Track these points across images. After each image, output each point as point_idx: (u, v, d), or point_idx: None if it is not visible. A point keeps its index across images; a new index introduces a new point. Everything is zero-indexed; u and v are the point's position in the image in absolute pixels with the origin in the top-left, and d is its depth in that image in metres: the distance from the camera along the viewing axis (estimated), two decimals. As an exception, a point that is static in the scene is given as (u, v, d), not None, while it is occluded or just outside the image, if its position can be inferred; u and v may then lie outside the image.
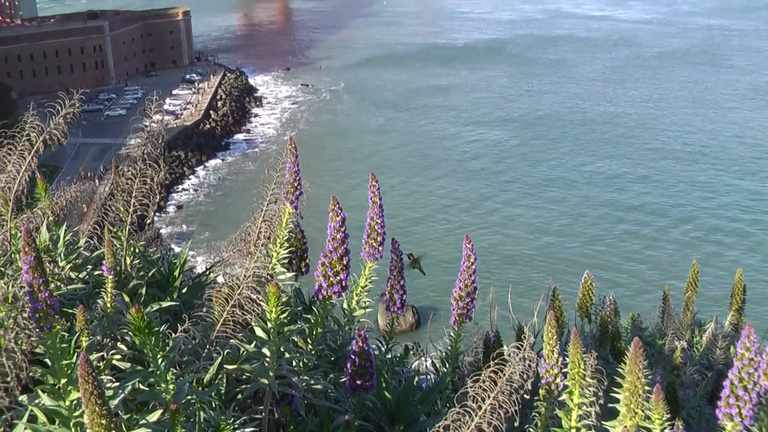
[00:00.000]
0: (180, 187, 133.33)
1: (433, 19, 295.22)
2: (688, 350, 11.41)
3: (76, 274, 6.96)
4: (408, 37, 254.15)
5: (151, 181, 7.04)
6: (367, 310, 6.90)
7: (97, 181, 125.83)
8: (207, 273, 7.79)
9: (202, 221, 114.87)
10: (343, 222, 6.01)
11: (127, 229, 6.99)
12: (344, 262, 6.06)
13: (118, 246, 7.05)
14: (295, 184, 6.89)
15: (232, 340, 5.77)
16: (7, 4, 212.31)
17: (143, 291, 6.86)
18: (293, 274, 7.28)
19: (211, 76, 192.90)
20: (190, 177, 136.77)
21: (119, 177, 7.29)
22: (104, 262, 6.00)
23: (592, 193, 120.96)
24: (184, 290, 7.34)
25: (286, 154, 7.00)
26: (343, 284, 6.12)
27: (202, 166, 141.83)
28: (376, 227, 6.47)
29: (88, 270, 7.11)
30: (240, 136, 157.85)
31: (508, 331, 9.36)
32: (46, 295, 4.66)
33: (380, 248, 6.56)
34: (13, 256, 6.63)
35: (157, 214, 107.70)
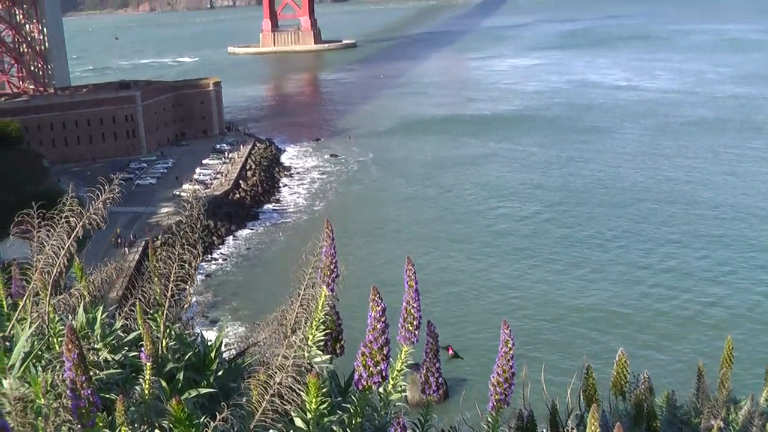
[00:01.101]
0: (209, 256, 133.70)
1: (459, 90, 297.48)
2: (724, 429, 11.22)
3: (113, 356, 6.96)
4: (435, 108, 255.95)
5: (188, 266, 7.04)
6: (403, 394, 6.85)
7: (126, 249, 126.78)
8: (243, 355, 7.76)
9: (231, 291, 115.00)
10: (383, 312, 5.99)
11: (164, 314, 6.98)
12: (384, 352, 6.03)
13: (154, 328, 7.04)
14: (332, 267, 6.89)
15: (271, 430, 5.71)
16: (41, 73, 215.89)
17: (180, 376, 6.83)
18: (329, 356, 7.25)
19: (241, 146, 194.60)
20: (220, 246, 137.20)
21: (156, 260, 7.29)
22: (143, 348, 5.98)
23: (624, 271, 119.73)
24: (220, 373, 7.31)
25: (323, 238, 7.00)
26: (383, 374, 6.08)
27: (231, 236, 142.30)
28: (412, 311, 6.45)
29: (124, 353, 7.11)
30: (269, 206, 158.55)
31: (542, 410, 9.24)
32: (89, 392, 4.65)
33: (416, 332, 6.53)
34: (51, 340, 6.63)
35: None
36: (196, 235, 7.22)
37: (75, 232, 6.77)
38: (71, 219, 6.98)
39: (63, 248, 6.65)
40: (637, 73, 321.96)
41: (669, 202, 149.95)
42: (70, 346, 4.51)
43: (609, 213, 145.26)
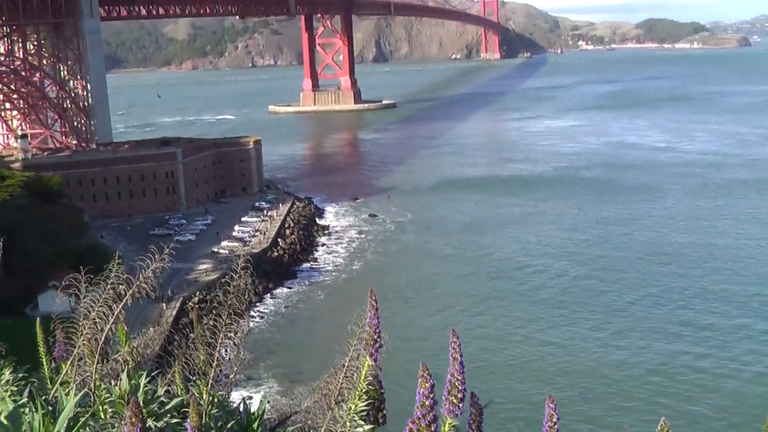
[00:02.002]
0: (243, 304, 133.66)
1: (496, 151, 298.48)
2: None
3: (155, 424, 6.96)
4: (473, 168, 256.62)
5: (235, 335, 7.06)
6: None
7: (164, 305, 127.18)
8: (285, 423, 7.74)
9: (269, 349, 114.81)
10: (432, 388, 5.97)
11: (209, 383, 6.99)
12: (432, 429, 5.99)
13: (198, 396, 7.03)
14: (375, 337, 6.89)
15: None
16: (84, 128, 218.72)
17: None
18: (371, 427, 7.22)
19: (280, 204, 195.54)
20: (257, 304, 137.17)
21: (202, 329, 7.31)
22: (188, 418, 5.98)
23: (665, 336, 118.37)
24: (262, 443, 7.27)
25: (368, 307, 7.01)
26: (431, 451, 6.04)
27: (269, 294, 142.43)
28: (456, 384, 6.45)
29: (166, 420, 7.10)
30: (307, 265, 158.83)
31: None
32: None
33: (460, 405, 6.52)
34: (97, 407, 6.65)
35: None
36: (244, 306, 7.24)
37: (124, 301, 6.81)
38: (119, 286, 7.03)
39: (111, 316, 6.70)
40: (675, 134, 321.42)
41: (709, 265, 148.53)
42: (134, 420, 4.53)
43: (650, 276, 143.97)
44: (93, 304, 7.04)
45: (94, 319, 6.92)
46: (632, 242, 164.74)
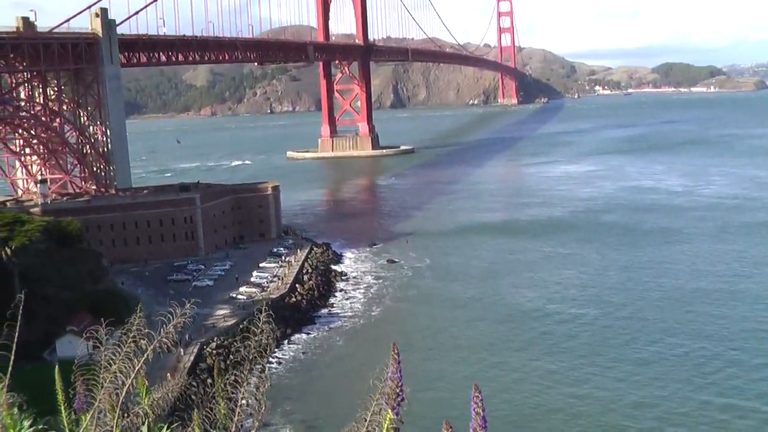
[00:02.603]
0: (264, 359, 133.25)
1: (513, 196, 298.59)
2: None
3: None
4: (490, 213, 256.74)
5: (256, 390, 7.01)
6: None
7: (182, 350, 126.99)
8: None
9: (287, 395, 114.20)
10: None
11: (231, 437, 6.93)
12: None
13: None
14: (398, 391, 6.83)
15: None
16: (103, 174, 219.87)
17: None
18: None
19: (299, 249, 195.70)
20: (275, 350, 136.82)
21: (223, 382, 7.26)
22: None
23: (689, 380, 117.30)
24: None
25: (390, 361, 6.96)
26: None
27: (287, 340, 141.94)
28: (479, 438, 6.38)
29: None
30: (325, 311, 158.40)
31: None
32: None
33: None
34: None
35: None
36: (266, 360, 7.20)
37: (145, 356, 6.78)
38: (141, 340, 6.99)
39: (132, 371, 6.66)
40: (692, 178, 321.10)
41: (732, 311, 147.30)
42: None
43: (672, 322, 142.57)
44: (114, 357, 7.00)
45: (115, 372, 6.88)
46: (653, 287, 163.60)
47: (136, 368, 6.38)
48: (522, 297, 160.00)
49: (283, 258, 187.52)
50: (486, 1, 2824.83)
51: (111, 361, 6.89)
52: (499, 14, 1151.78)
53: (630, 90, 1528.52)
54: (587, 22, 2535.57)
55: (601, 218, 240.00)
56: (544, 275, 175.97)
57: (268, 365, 6.85)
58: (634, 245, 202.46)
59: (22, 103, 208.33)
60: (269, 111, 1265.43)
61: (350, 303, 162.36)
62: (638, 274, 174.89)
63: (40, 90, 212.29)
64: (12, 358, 7.17)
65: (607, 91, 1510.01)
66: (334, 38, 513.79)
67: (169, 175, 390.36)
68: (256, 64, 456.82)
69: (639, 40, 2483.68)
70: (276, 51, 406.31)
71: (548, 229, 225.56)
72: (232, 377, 6.97)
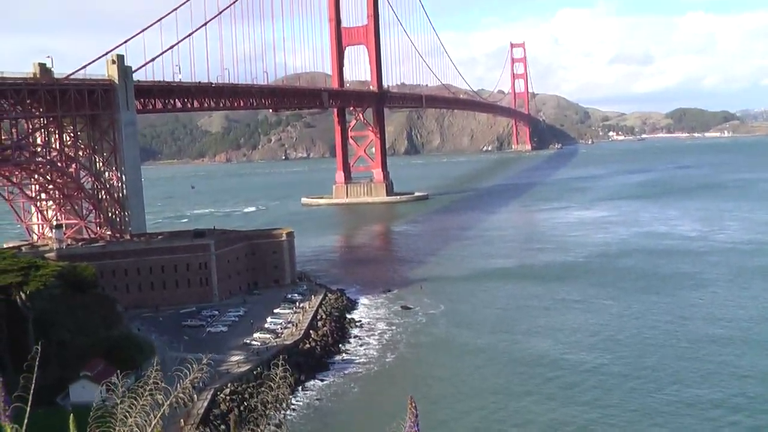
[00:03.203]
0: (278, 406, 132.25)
1: (526, 241, 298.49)
2: None
3: None
4: (504, 258, 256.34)
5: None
6: None
7: (195, 395, 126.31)
8: None
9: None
10: None
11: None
12: None
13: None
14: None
15: None
16: (118, 219, 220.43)
17: None
18: None
19: (313, 296, 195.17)
20: (289, 397, 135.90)
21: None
22: None
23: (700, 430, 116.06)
24: None
25: (407, 415, 6.59)
26: None
27: (300, 386, 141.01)
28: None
29: None
30: (339, 357, 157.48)
31: None
32: None
33: None
34: None
35: None
36: (282, 414, 6.81)
37: (162, 411, 6.43)
38: (158, 396, 6.65)
39: (149, 427, 6.31)
40: (707, 223, 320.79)
41: (746, 354, 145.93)
42: None
43: (690, 369, 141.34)
44: (131, 409, 6.64)
45: (132, 426, 6.52)
46: (667, 333, 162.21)
47: (153, 423, 6.01)
48: (536, 344, 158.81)
49: (297, 304, 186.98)
50: (500, 47, 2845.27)
51: (127, 414, 6.52)
52: (513, 60, 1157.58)
53: (644, 135, 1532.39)
54: (600, 69, 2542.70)
55: (614, 264, 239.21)
56: (558, 321, 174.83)
57: (284, 414, 6.47)
58: (648, 291, 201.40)
59: (39, 149, 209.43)
60: (284, 157, 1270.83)
61: (364, 349, 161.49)
62: (653, 320, 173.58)
63: (57, 135, 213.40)
64: (28, 409, 6.82)
65: (621, 137, 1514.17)
66: (348, 85, 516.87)
67: (184, 220, 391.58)
68: (271, 110, 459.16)
69: (652, 85, 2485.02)
70: (291, 98, 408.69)
71: (562, 275, 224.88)
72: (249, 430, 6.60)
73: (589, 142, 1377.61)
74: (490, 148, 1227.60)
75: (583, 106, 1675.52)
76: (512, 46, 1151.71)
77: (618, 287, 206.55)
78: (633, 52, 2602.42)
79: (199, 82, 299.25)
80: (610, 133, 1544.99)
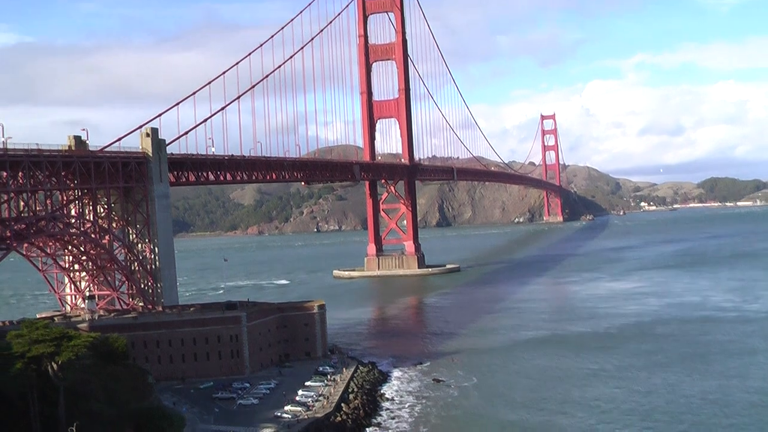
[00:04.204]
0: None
1: (558, 313, 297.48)
2: None
3: None
4: (535, 331, 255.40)
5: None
6: None
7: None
8: None
9: None
10: None
11: None
12: None
13: None
14: None
15: None
16: (151, 291, 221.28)
17: None
18: None
19: (344, 368, 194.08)
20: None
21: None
22: None
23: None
24: None
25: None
26: None
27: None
28: None
29: None
30: (370, 430, 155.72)
31: None
32: None
33: None
34: None
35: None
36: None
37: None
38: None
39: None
40: (739, 293, 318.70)
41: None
42: None
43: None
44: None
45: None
46: (704, 404, 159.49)
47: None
48: (569, 418, 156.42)
49: (328, 377, 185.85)
50: (530, 119, 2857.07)
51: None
52: (544, 132, 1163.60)
53: (675, 205, 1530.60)
54: (631, 139, 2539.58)
55: (647, 335, 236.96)
56: (592, 394, 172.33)
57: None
58: (683, 361, 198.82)
59: (73, 220, 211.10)
60: (316, 230, 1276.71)
61: (396, 423, 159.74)
62: (688, 391, 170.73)
63: (90, 207, 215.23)
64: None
65: (653, 207, 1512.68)
66: (380, 157, 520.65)
67: (219, 292, 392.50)
68: (303, 183, 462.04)
69: (683, 155, 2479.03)
70: (323, 170, 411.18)
71: (594, 346, 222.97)
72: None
73: (621, 213, 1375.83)
74: (521, 220, 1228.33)
75: (614, 177, 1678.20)
76: (543, 117, 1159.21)
77: (651, 359, 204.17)
78: (664, 123, 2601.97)
79: (232, 155, 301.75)
80: (642, 204, 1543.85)
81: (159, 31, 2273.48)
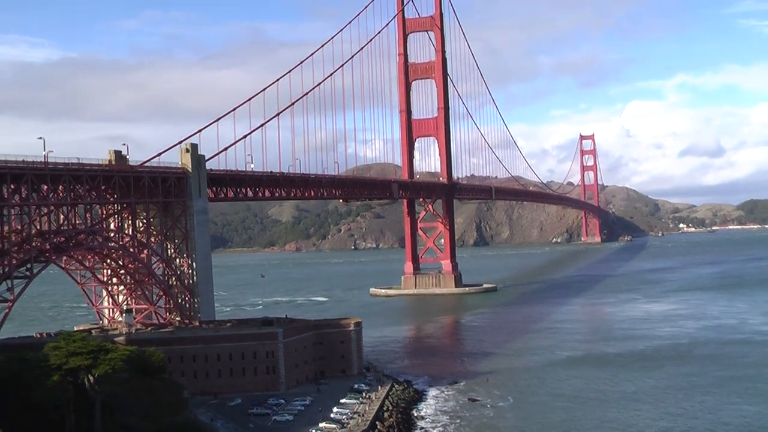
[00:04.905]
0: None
1: (594, 332, 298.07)
2: None
3: None
4: (572, 351, 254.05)
5: None
6: None
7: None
8: None
9: None
10: None
11: None
12: None
13: None
14: None
15: None
16: (188, 306, 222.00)
17: None
18: None
19: (379, 386, 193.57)
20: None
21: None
22: None
23: None
24: None
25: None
26: None
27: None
28: None
29: None
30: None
31: None
32: None
33: None
34: None
35: None
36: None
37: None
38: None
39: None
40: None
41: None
42: None
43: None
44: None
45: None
46: (745, 430, 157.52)
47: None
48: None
49: (363, 394, 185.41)
50: (570, 139, 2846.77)
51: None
52: (582, 152, 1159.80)
53: (714, 227, 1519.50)
54: (671, 161, 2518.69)
55: (683, 357, 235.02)
56: (628, 416, 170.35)
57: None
58: (720, 385, 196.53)
59: (112, 234, 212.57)
60: (353, 247, 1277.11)
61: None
62: (724, 415, 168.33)
63: (130, 221, 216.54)
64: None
65: (692, 229, 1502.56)
66: (418, 176, 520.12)
67: (252, 308, 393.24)
68: (341, 201, 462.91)
69: (723, 177, 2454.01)
70: (361, 188, 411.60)
71: (630, 368, 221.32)
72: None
73: (659, 234, 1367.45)
74: (559, 240, 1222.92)
75: (652, 198, 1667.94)
76: (582, 138, 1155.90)
77: (688, 381, 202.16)
78: (704, 144, 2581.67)
79: (271, 172, 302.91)
80: (681, 225, 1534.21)
81: (203, 49, 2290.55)
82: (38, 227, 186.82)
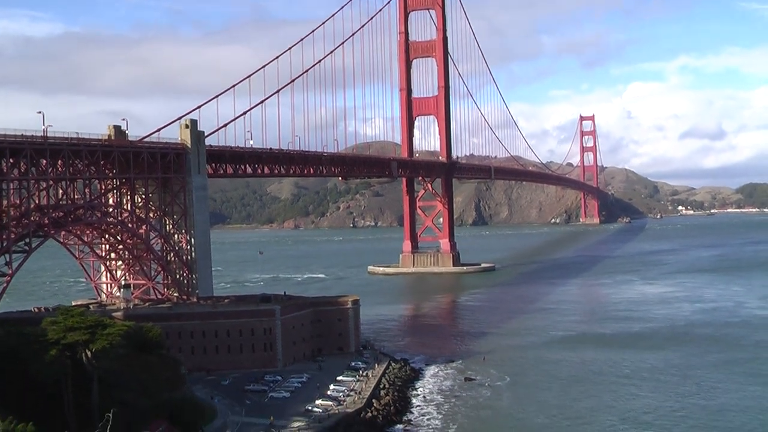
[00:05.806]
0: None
1: (591, 313, 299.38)
2: None
3: None
4: (568, 332, 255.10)
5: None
6: None
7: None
8: None
9: None
10: None
11: None
12: None
13: None
14: None
15: None
16: (186, 281, 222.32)
17: None
18: None
19: (376, 364, 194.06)
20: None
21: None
22: None
23: None
24: None
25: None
26: None
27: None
28: None
29: None
30: (400, 426, 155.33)
31: None
32: None
33: None
34: None
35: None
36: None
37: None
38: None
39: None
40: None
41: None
42: None
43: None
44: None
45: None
46: (740, 411, 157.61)
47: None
48: (605, 419, 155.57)
49: (360, 372, 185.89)
50: (570, 120, 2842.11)
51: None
52: (582, 133, 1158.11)
53: (713, 211, 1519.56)
54: (672, 143, 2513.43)
55: (679, 339, 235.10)
56: (624, 396, 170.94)
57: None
58: (715, 367, 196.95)
59: (110, 209, 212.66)
60: (351, 225, 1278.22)
61: (426, 420, 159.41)
62: (720, 396, 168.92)
63: (128, 197, 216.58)
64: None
65: (691, 212, 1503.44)
66: (417, 155, 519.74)
67: (250, 285, 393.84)
68: (340, 178, 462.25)
69: (722, 160, 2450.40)
70: (360, 166, 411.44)
71: (626, 349, 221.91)
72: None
73: (658, 217, 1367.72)
74: (558, 221, 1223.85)
75: (652, 180, 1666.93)
76: (582, 119, 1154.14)
77: (684, 362, 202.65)
78: (705, 127, 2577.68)
79: (270, 149, 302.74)
80: (679, 208, 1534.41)
81: (205, 25, 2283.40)
82: (37, 202, 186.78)
